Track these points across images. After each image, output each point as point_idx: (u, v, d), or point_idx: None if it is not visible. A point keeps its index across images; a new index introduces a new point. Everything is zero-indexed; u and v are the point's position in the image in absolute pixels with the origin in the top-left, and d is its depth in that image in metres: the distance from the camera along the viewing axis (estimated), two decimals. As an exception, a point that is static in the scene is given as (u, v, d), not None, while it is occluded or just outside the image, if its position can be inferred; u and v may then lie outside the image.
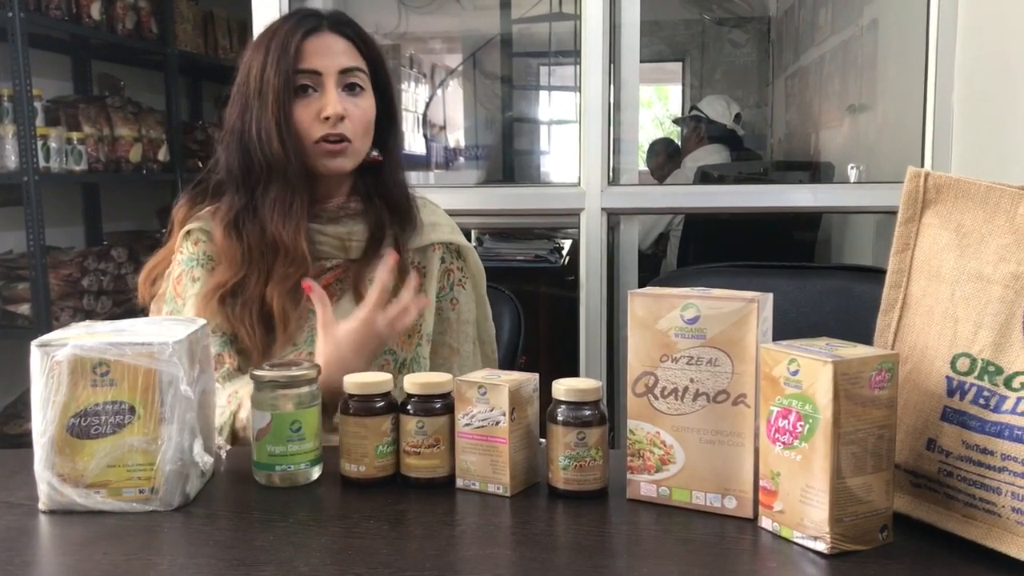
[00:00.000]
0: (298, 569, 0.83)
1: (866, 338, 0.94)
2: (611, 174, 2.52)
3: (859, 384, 0.83)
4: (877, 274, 1.78)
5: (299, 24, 1.36)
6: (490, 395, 1.00)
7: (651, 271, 3.46)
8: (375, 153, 1.44)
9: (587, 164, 2.44)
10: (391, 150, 1.47)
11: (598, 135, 2.42)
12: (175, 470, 0.97)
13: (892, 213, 2.76)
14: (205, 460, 1.01)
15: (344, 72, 1.37)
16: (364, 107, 1.39)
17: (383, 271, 1.29)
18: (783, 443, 0.86)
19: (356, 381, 1.04)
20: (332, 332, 1.24)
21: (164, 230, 1.49)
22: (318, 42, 1.37)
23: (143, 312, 1.44)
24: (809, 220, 3.51)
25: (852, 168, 3.06)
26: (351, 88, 1.38)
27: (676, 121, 4.95)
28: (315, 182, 1.40)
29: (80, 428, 0.96)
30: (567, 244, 3.58)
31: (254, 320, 1.34)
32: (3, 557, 0.87)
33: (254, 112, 1.34)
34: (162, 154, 3.80)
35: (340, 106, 1.35)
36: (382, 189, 1.45)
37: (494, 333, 1.56)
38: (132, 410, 0.96)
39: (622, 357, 2.58)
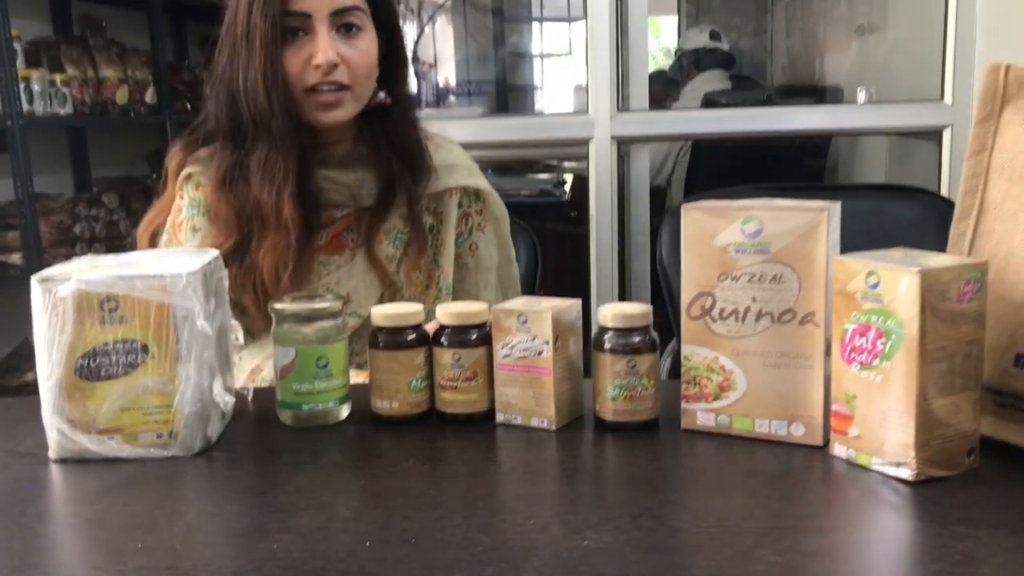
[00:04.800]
0: (340, 514, 0.76)
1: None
2: (620, 102, 2.43)
3: (946, 297, 0.75)
4: (909, 192, 1.71)
5: None
6: (531, 323, 0.93)
7: (656, 205, 3.37)
8: (382, 95, 1.32)
9: (596, 92, 2.35)
10: (399, 92, 1.34)
11: (606, 62, 2.33)
12: (195, 412, 0.90)
13: (906, 135, 2.67)
14: (226, 400, 0.94)
15: (338, 13, 1.23)
16: (363, 49, 1.26)
17: None
18: (860, 363, 0.79)
19: (385, 312, 0.97)
20: None
21: (155, 175, 1.39)
22: None
23: None
24: (817, 145, 3.42)
25: (861, 91, 2.97)
26: (348, 29, 1.25)
27: (669, 70, 4.78)
28: (315, 129, 1.29)
29: (89, 369, 0.88)
30: (569, 179, 3.50)
31: (256, 288, 1.24)
32: (16, 509, 0.80)
33: (241, 59, 1.22)
34: (149, 96, 3.67)
35: (333, 51, 1.22)
36: (391, 136, 1.33)
37: (518, 275, 1.46)
38: (145, 348, 0.88)
39: (634, 290, 2.53)
